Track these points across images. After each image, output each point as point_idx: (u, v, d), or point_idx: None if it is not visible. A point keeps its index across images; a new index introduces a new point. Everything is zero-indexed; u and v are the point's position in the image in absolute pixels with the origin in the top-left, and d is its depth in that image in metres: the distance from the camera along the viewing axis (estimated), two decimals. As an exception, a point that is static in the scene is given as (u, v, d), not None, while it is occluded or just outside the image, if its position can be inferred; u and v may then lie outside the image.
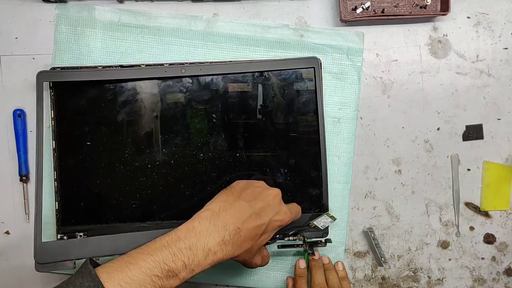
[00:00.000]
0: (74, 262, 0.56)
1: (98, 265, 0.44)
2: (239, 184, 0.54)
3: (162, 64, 0.59)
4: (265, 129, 0.60)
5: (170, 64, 0.59)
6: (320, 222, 0.60)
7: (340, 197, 0.65)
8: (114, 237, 0.57)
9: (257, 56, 0.63)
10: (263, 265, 0.55)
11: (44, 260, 0.55)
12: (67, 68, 0.58)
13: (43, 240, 0.56)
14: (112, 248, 0.56)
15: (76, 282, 0.40)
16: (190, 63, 0.59)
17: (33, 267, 0.59)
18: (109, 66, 0.59)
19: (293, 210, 0.55)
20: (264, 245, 0.56)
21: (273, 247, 0.63)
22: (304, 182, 0.61)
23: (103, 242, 0.56)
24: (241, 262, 0.52)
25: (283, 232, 0.58)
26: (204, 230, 0.46)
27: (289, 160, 0.61)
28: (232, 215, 0.48)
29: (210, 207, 0.49)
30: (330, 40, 0.63)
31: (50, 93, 0.58)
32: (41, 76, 0.57)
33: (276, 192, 0.53)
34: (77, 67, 0.58)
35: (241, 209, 0.49)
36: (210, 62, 0.60)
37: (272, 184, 0.60)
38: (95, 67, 0.58)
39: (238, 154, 0.60)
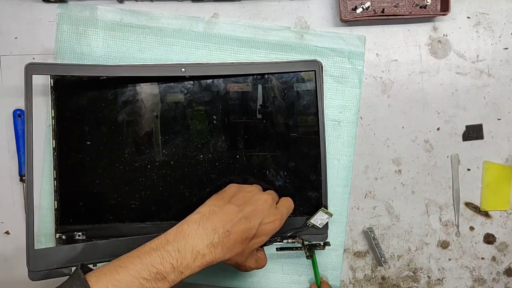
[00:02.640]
0: (70, 269, 0.53)
1: (91, 270, 0.44)
2: (231, 188, 0.55)
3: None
4: (265, 130, 0.60)
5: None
6: (317, 220, 0.60)
7: (340, 200, 0.65)
8: (110, 243, 0.55)
9: (258, 58, 0.63)
10: (259, 268, 0.55)
11: (38, 267, 0.53)
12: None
13: (42, 241, 0.56)
14: (108, 255, 0.55)
15: (65, 286, 0.41)
16: (192, 64, 0.59)
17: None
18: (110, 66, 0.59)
19: (284, 209, 0.55)
20: (262, 246, 0.56)
21: (272, 250, 0.63)
22: (304, 185, 0.61)
23: (99, 248, 0.55)
24: (234, 266, 0.52)
25: (281, 234, 0.58)
26: (193, 232, 0.46)
27: (289, 163, 0.61)
28: (222, 218, 0.48)
29: (200, 210, 0.50)
30: (331, 43, 0.63)
31: (51, 92, 0.58)
32: (30, 68, 0.53)
33: (266, 196, 0.54)
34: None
35: (231, 213, 0.49)
36: (212, 63, 0.60)
37: (271, 187, 0.60)
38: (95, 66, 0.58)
39: (238, 156, 0.60)
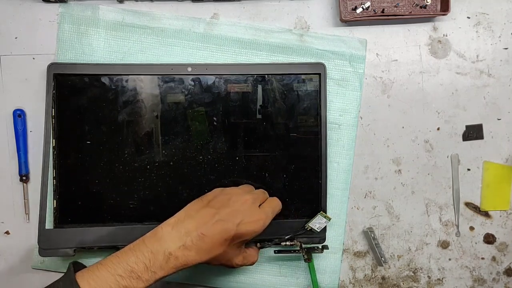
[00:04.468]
0: (74, 250, 0.58)
1: (85, 267, 0.48)
2: (213, 192, 0.55)
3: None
4: (265, 131, 0.60)
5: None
6: (316, 223, 0.60)
7: (339, 203, 0.64)
8: (113, 229, 0.58)
9: (259, 60, 0.63)
10: (248, 265, 0.56)
11: (47, 246, 0.58)
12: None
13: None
14: (111, 239, 0.58)
15: (57, 283, 0.46)
16: (199, 64, 0.60)
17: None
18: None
19: (269, 209, 0.55)
20: (260, 248, 0.57)
21: (270, 252, 0.63)
22: (303, 188, 0.61)
23: (103, 233, 0.58)
24: (220, 266, 0.53)
25: (278, 236, 0.58)
26: (166, 235, 0.49)
27: (288, 165, 0.61)
28: (197, 221, 0.50)
29: (177, 214, 0.52)
30: (332, 46, 0.63)
31: (52, 91, 0.58)
32: (52, 67, 0.58)
33: (246, 197, 0.53)
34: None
35: (207, 216, 0.50)
36: (219, 64, 0.60)
37: (265, 187, 0.60)
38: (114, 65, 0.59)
39: (237, 157, 0.60)
